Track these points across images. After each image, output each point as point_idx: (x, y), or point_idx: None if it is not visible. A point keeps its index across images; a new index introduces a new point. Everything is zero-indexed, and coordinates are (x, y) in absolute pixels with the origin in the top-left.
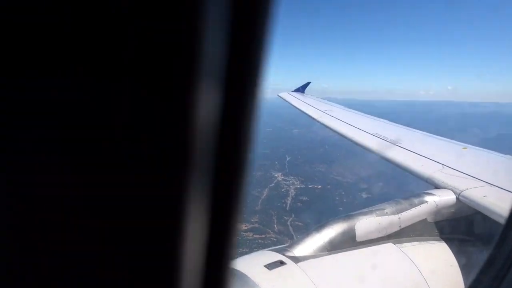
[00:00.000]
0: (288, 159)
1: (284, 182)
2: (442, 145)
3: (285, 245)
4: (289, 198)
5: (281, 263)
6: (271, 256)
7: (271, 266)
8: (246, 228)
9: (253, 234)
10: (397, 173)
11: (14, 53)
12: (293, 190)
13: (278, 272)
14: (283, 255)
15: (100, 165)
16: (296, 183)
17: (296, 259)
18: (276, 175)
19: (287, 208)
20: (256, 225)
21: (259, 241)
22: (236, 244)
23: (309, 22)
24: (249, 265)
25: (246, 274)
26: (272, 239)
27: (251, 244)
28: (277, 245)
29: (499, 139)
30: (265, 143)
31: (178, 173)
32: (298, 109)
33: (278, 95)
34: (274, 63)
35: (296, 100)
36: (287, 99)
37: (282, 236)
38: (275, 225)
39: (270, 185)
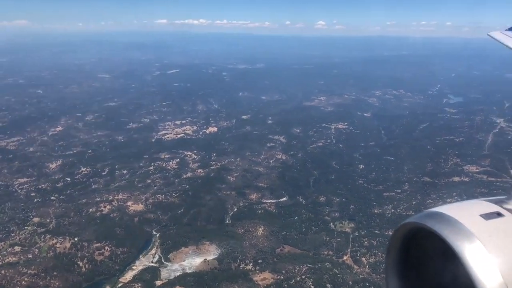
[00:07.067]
0: (507, 105)
1: (509, 129)
2: None
3: (503, 197)
4: None
5: (498, 214)
6: (487, 206)
7: (487, 216)
8: (477, 170)
9: (487, 177)
10: None
11: None
12: None
13: (495, 223)
14: (501, 206)
15: None
16: None
17: None
18: (498, 121)
19: None
20: (488, 168)
21: (497, 183)
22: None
23: None
24: (463, 213)
25: (460, 221)
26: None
27: (489, 185)
28: None
29: None
30: (475, 87)
31: None
32: None
33: (488, 35)
34: None
35: None
36: (499, 39)
37: None
38: (511, 170)
39: (494, 131)
